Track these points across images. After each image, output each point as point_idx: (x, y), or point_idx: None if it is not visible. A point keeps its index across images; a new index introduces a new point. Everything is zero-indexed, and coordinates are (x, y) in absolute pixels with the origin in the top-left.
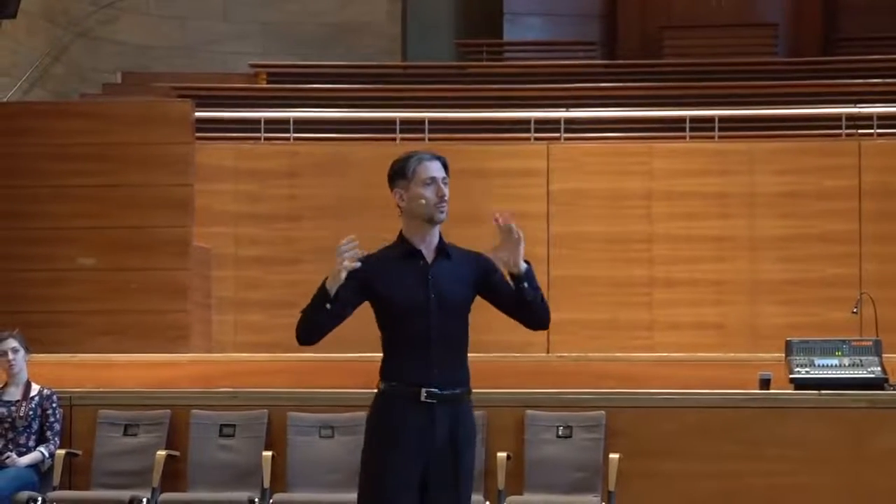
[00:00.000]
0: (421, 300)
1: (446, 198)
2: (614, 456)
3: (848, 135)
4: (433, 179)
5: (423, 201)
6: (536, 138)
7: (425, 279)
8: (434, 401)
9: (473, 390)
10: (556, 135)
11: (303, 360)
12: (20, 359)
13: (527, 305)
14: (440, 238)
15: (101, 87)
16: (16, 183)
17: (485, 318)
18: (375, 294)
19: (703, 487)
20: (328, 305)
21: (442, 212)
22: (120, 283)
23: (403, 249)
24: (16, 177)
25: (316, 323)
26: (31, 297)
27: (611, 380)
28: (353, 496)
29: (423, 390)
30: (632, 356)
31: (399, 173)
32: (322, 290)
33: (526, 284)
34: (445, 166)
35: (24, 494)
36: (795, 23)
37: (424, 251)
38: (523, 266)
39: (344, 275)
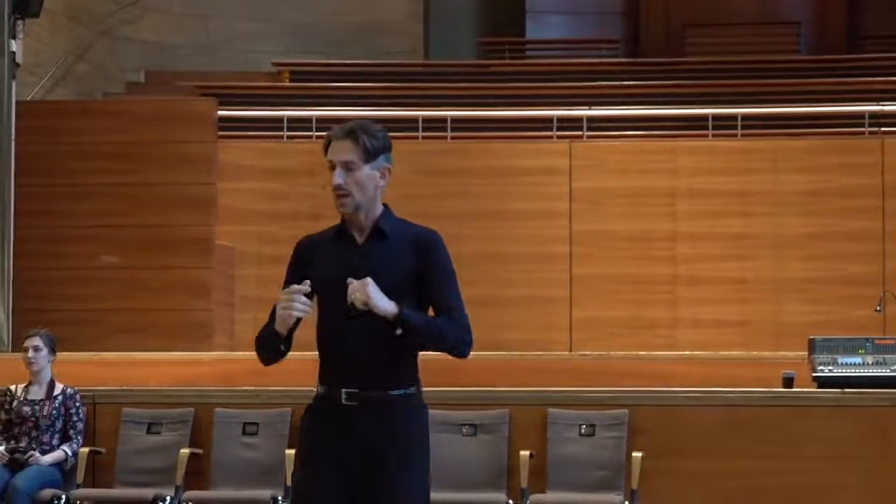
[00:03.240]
0: (341, 287)
1: (341, 188)
2: (637, 454)
3: (871, 132)
4: (331, 164)
5: (330, 189)
6: (559, 136)
7: (349, 263)
8: (354, 403)
9: (497, 389)
10: (579, 133)
11: None
12: (41, 358)
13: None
14: (382, 214)
15: (124, 86)
16: (39, 181)
17: (507, 316)
18: (304, 275)
19: (726, 486)
20: (282, 347)
21: (342, 204)
22: (143, 281)
23: (336, 228)
24: (39, 175)
25: (272, 356)
26: (54, 295)
27: (633, 378)
28: None
29: (343, 391)
30: (654, 354)
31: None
32: (273, 333)
33: (399, 331)
34: (359, 142)
35: (48, 492)
36: (819, 20)
37: (356, 231)
38: (390, 310)
39: (293, 321)
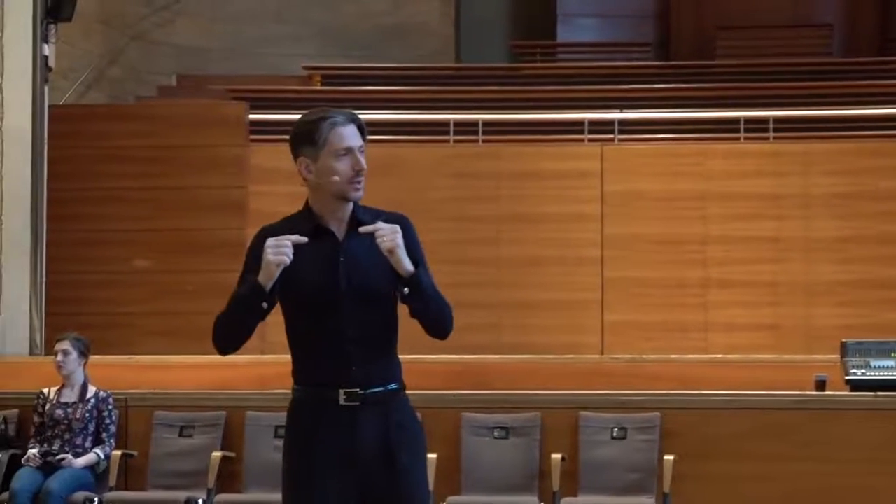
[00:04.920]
0: (331, 289)
1: (364, 171)
2: (669, 457)
3: None
4: (348, 150)
5: (336, 177)
6: (590, 140)
7: (335, 263)
8: (356, 403)
9: (529, 392)
10: (610, 136)
11: None
12: (70, 361)
13: (412, 312)
14: (354, 205)
15: (156, 90)
16: (72, 185)
17: (539, 319)
18: (282, 279)
19: (758, 489)
20: (264, 304)
21: (358, 189)
22: (175, 284)
23: (312, 225)
24: (72, 179)
25: (245, 326)
26: (86, 298)
27: (665, 381)
28: None
29: (342, 392)
30: (686, 357)
31: (305, 138)
32: (254, 287)
33: (406, 290)
34: (362, 129)
35: (81, 495)
36: (850, 23)
37: (335, 227)
38: (407, 268)
39: (278, 269)
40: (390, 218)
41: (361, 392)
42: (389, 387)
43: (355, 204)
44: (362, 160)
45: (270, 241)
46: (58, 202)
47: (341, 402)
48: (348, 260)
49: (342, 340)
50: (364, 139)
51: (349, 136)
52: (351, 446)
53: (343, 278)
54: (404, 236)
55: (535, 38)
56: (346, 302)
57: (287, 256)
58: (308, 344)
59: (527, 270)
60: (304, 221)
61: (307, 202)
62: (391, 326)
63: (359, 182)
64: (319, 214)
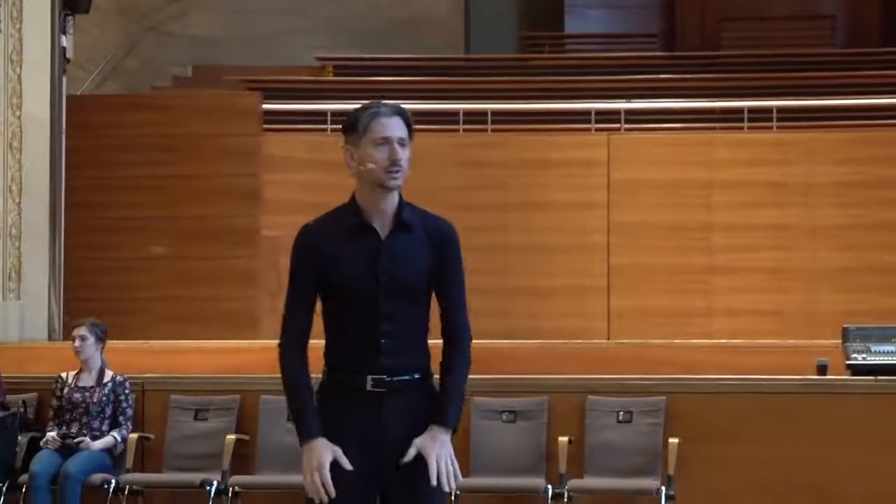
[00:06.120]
0: (369, 284)
1: (400, 162)
2: (674, 440)
3: None
4: (386, 140)
5: (372, 165)
6: (597, 129)
7: (375, 260)
8: (382, 389)
9: (536, 376)
10: (617, 125)
11: None
12: (87, 346)
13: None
14: (399, 202)
15: (171, 81)
16: (89, 173)
17: (546, 305)
18: (324, 273)
19: (761, 471)
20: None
21: (395, 178)
22: (190, 271)
23: (354, 221)
24: (89, 167)
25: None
26: (103, 284)
27: (670, 366)
28: None
29: (369, 378)
30: (691, 342)
31: (350, 127)
32: (298, 428)
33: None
34: (408, 123)
35: (98, 477)
36: (853, 14)
37: (378, 223)
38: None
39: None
40: (441, 227)
41: (388, 379)
42: (415, 375)
43: (402, 201)
44: (399, 151)
45: (316, 479)
46: (75, 190)
47: (368, 387)
48: (389, 258)
49: (375, 332)
50: (409, 133)
51: (389, 126)
52: (375, 429)
53: (382, 275)
54: (448, 251)
55: (544, 30)
56: (381, 297)
57: (320, 487)
58: (342, 332)
59: (535, 257)
60: (348, 216)
61: (353, 196)
62: (423, 321)
63: (395, 171)
64: (363, 207)
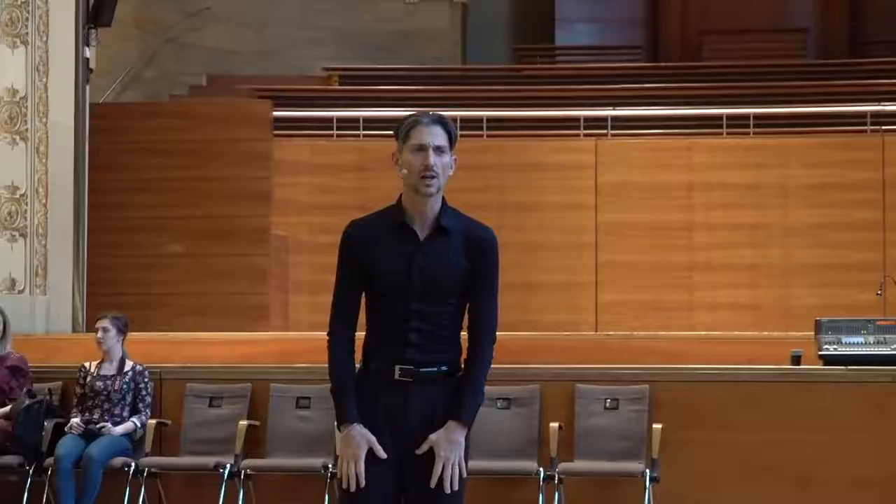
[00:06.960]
0: (403, 283)
1: (432, 169)
2: (657, 426)
3: (872, 131)
4: (422, 147)
5: (406, 171)
6: (586, 135)
7: (411, 260)
8: (409, 379)
9: (529, 366)
10: (604, 131)
11: None
12: (109, 338)
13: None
14: (442, 208)
15: (188, 90)
16: (112, 176)
17: (539, 299)
18: (365, 267)
19: (739, 455)
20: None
21: (428, 185)
22: (206, 267)
23: (396, 222)
24: (111, 171)
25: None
26: (125, 280)
27: (654, 356)
28: None
29: (397, 367)
30: (674, 334)
31: (398, 133)
32: (338, 413)
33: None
34: (449, 132)
35: (119, 460)
36: (824, 27)
37: (418, 225)
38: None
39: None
40: (480, 235)
41: (415, 370)
42: (442, 368)
43: (444, 206)
44: (432, 158)
45: (350, 469)
46: (98, 192)
47: (396, 376)
48: (425, 259)
49: (407, 328)
50: (449, 143)
51: (426, 133)
52: (400, 417)
53: (416, 275)
54: (482, 258)
55: (536, 42)
56: (413, 296)
57: (353, 477)
58: (378, 325)
59: (528, 255)
60: (392, 216)
61: (400, 197)
62: (454, 321)
63: (428, 178)
64: (406, 209)
